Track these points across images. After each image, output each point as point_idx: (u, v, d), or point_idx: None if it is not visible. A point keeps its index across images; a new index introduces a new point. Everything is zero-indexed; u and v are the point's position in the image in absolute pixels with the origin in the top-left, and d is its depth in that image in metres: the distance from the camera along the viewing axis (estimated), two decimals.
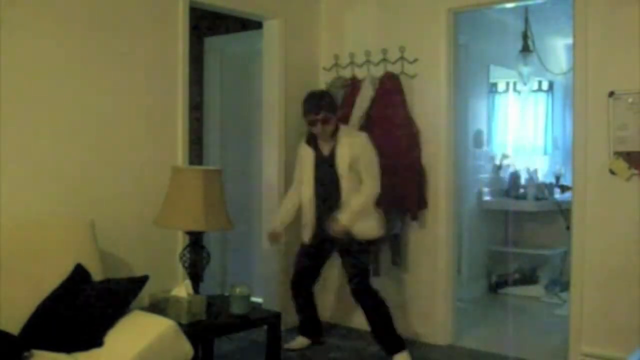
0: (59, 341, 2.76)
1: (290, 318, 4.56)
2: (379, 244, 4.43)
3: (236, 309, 3.38)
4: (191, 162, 4.49)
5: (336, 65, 4.90)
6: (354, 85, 4.70)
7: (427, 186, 4.47)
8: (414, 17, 4.56)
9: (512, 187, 6.20)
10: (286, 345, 4.23)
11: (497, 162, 6.20)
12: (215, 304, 3.46)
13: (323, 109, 3.96)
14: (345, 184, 3.95)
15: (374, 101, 4.54)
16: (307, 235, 4.14)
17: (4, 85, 3.23)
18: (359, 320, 4.77)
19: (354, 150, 3.95)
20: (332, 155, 4.00)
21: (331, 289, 4.98)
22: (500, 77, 6.33)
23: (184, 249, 3.48)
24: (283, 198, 4.39)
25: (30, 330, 2.81)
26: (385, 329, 4.06)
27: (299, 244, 4.24)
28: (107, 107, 3.68)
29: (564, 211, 5.51)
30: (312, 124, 3.99)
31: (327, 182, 4.00)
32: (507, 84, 6.42)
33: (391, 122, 4.45)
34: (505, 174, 6.26)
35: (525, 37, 5.82)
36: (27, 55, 3.34)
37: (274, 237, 4.24)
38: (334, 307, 4.97)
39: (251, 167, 5.23)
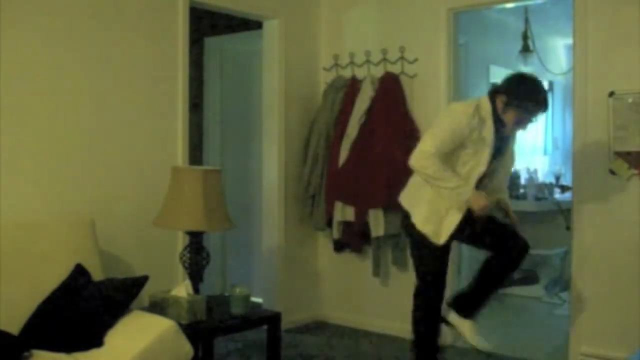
0: (59, 341, 2.76)
1: (290, 318, 4.56)
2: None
3: (236, 309, 3.38)
4: (191, 162, 4.49)
5: (336, 65, 4.90)
6: (353, 85, 4.70)
7: None
8: (414, 17, 4.56)
9: (512, 187, 6.19)
10: None
11: None
12: (215, 304, 3.46)
13: None
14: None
15: (374, 101, 4.54)
16: (448, 230, 3.30)
17: (4, 86, 3.23)
18: (363, 321, 4.79)
19: None
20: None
21: (333, 286, 4.99)
22: (500, 77, 6.28)
23: (184, 249, 3.48)
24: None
25: (30, 330, 2.81)
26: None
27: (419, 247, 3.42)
28: (106, 107, 3.68)
29: (564, 211, 5.51)
30: (525, 122, 3.26)
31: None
32: None
33: (391, 122, 4.45)
34: None
35: (525, 37, 5.83)
36: (27, 56, 3.34)
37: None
38: (336, 305, 4.98)
39: (251, 167, 5.23)
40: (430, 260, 3.41)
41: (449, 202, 3.23)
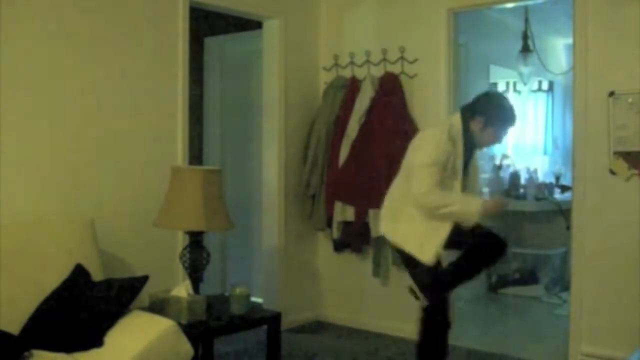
0: (59, 341, 2.76)
1: (290, 318, 4.56)
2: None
3: (236, 309, 3.38)
4: (191, 162, 4.49)
5: (336, 65, 4.90)
6: (353, 85, 4.70)
7: None
8: (414, 17, 4.57)
9: (512, 187, 6.20)
10: None
11: (497, 162, 6.20)
12: (215, 304, 3.46)
13: None
14: None
15: (374, 101, 4.54)
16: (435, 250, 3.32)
17: (4, 86, 3.23)
18: (363, 321, 4.79)
19: None
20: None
21: (333, 286, 4.99)
22: (500, 77, 6.32)
23: (184, 249, 3.48)
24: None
25: (30, 330, 2.81)
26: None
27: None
28: (106, 107, 3.68)
29: (564, 211, 5.51)
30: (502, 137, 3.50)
31: None
32: (507, 84, 6.42)
33: (391, 122, 4.45)
34: (505, 174, 6.26)
35: (525, 37, 5.82)
36: (26, 56, 3.34)
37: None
38: (336, 305, 4.98)
39: (251, 167, 5.23)
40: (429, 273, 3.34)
41: (458, 219, 3.27)
